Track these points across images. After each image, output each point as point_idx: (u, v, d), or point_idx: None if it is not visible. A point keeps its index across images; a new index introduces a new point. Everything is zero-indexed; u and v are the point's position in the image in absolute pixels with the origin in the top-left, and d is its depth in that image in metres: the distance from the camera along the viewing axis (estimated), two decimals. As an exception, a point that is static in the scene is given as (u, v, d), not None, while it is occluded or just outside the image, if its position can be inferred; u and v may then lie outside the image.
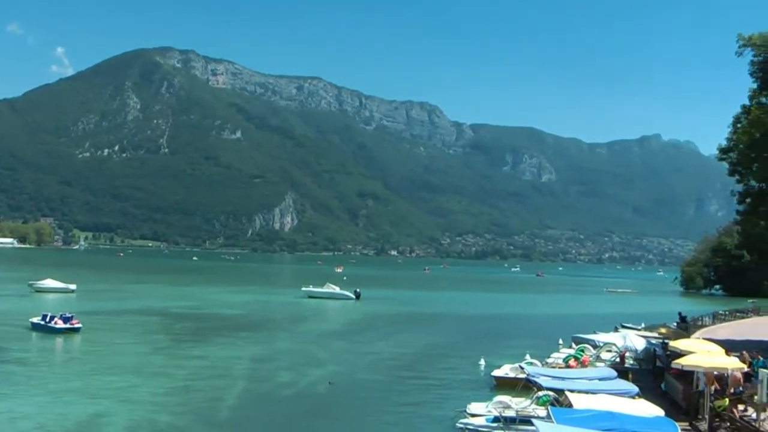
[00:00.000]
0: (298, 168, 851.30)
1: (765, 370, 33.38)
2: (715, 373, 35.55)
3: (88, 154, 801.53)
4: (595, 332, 71.72)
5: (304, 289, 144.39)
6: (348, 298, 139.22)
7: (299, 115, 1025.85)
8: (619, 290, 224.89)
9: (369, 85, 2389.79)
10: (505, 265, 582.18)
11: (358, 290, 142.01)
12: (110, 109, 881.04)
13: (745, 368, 35.68)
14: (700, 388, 35.93)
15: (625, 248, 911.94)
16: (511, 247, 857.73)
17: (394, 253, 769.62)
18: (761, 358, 39.15)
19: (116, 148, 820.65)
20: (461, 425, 36.68)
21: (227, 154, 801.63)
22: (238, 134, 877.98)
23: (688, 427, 34.74)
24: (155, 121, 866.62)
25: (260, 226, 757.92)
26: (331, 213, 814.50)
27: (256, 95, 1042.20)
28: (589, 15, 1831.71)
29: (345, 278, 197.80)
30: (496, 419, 36.12)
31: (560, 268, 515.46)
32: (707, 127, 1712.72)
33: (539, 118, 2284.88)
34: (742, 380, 36.41)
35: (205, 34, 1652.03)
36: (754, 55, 54.55)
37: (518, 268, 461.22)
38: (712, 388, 35.47)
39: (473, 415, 38.23)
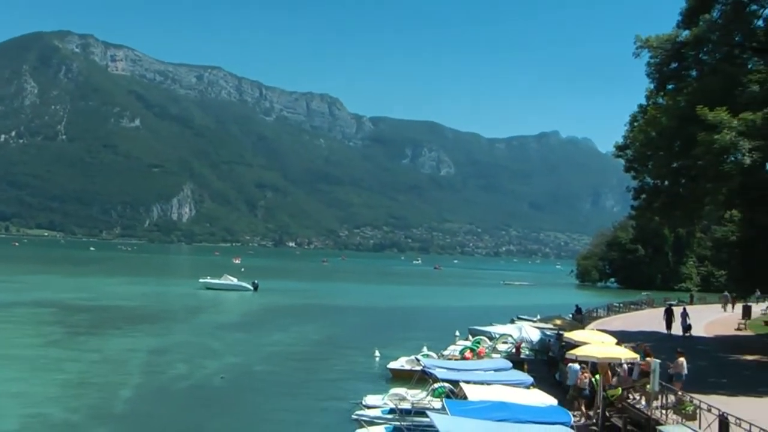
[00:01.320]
0: (197, 158, 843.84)
1: (657, 360, 34.30)
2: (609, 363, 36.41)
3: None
4: (491, 324, 72.53)
5: (201, 280, 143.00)
6: (246, 289, 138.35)
7: (199, 104, 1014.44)
8: (516, 283, 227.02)
9: (269, 76, 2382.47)
10: (402, 258, 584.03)
11: (256, 282, 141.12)
12: (6, 93, 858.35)
13: (638, 359, 36.48)
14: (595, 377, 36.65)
15: (522, 242, 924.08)
16: (410, 240, 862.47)
17: (292, 244, 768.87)
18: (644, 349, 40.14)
19: (13, 133, 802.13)
20: (357, 417, 36.82)
21: (126, 143, 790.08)
22: (137, 122, 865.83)
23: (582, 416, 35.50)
24: (53, 107, 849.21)
25: (158, 217, 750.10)
26: (230, 204, 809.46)
27: (155, 83, 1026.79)
28: (490, 9, 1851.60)
29: (243, 269, 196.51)
30: (391, 411, 36.35)
31: (455, 261, 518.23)
32: (605, 126, 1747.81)
33: (439, 112, 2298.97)
34: (634, 370, 37.38)
35: (105, 19, 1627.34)
36: (651, 57, 55.75)
37: (420, 261, 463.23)
38: (614, 378, 36.31)
39: (369, 407, 38.39)
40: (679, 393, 33.00)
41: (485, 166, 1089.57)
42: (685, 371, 36.81)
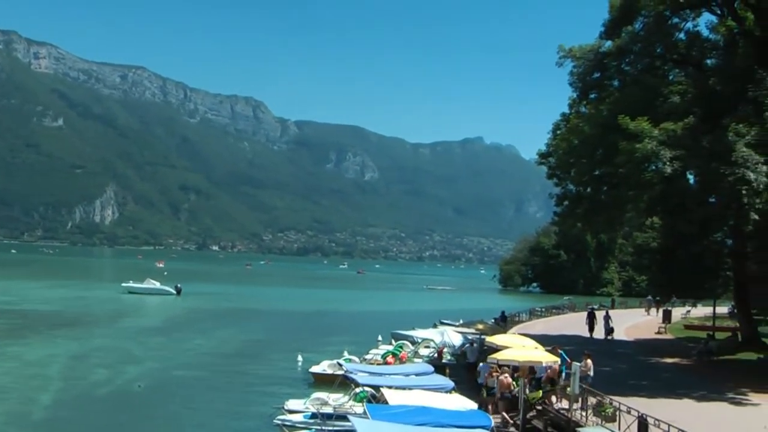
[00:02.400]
0: (120, 159, 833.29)
1: (577, 363, 34.96)
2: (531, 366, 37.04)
3: None
4: (413, 328, 73.02)
5: (124, 284, 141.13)
6: (169, 293, 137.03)
7: (123, 104, 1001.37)
8: (439, 287, 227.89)
9: (194, 78, 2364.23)
10: (326, 262, 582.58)
11: (179, 285, 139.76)
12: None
13: (558, 361, 37.14)
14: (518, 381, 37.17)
15: (446, 247, 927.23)
16: (333, 244, 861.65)
17: (215, 248, 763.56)
18: (561, 351, 40.80)
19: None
20: (279, 422, 36.87)
21: (48, 142, 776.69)
22: (60, 122, 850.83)
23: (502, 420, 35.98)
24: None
25: (80, 219, 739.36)
26: (153, 206, 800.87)
27: (79, 82, 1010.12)
28: (413, 17, 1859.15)
29: (166, 273, 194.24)
30: (313, 415, 36.43)
31: (377, 266, 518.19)
32: (528, 133, 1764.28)
33: (364, 116, 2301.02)
34: (557, 371, 38.01)
35: (28, 15, 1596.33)
36: (574, 66, 56.61)
37: (346, 265, 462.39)
38: (529, 380, 36.89)
39: (291, 412, 38.40)
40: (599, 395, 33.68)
41: (409, 171, 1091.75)
42: (592, 373, 37.53)
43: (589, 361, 37.31)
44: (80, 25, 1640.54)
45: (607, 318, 73.40)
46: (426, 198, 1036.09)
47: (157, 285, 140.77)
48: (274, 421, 37.19)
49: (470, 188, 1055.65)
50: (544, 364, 36.72)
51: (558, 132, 63.58)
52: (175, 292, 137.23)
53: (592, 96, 57.87)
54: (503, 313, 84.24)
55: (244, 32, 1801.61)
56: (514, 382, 37.15)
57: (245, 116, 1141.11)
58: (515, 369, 37.32)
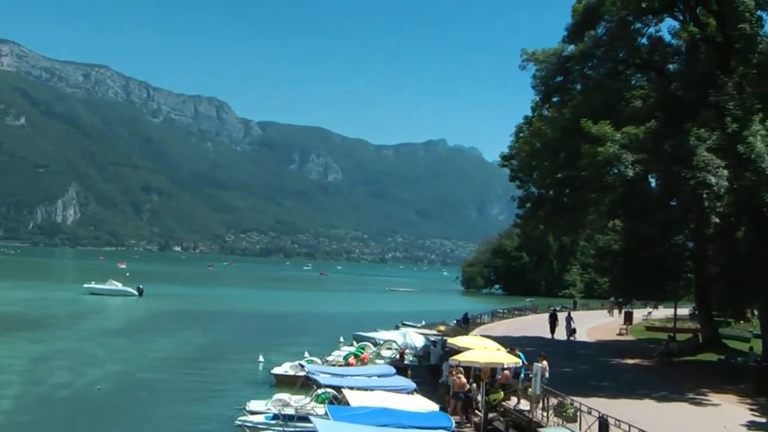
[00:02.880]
0: (83, 159, 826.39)
1: (539, 364, 35.22)
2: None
3: None
4: (376, 330, 73.15)
5: (86, 285, 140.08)
6: (131, 294, 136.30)
7: (86, 103, 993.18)
8: (402, 289, 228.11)
9: (157, 77, 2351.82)
10: (288, 263, 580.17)
11: (141, 287, 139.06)
12: None
13: (519, 363, 37.34)
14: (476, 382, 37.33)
15: (409, 248, 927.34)
16: (296, 246, 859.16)
17: (178, 249, 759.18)
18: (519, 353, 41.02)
19: None
20: (240, 423, 36.97)
21: (11, 141, 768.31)
22: (23, 120, 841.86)
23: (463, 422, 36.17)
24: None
25: (42, 219, 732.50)
26: (115, 207, 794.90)
27: (42, 80, 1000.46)
28: (380, 20, 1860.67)
29: (128, 274, 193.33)
30: (275, 417, 36.52)
31: (339, 267, 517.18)
32: (491, 135, 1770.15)
33: (327, 118, 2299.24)
34: (510, 375, 38.24)
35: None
36: (537, 70, 56.84)
37: (310, 267, 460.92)
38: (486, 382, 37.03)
39: (252, 413, 38.45)
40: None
41: (372, 172, 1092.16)
42: (548, 374, 37.79)
43: (545, 362, 37.55)
44: (43, 22, 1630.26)
45: (569, 319, 73.98)
46: (389, 200, 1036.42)
47: (119, 286, 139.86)
48: (236, 422, 37.31)
49: (433, 190, 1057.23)
50: (505, 366, 36.87)
51: (521, 135, 64.02)
52: (137, 293, 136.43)
53: (555, 99, 58.19)
54: (465, 314, 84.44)
55: (207, 32, 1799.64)
56: (470, 384, 37.38)
57: (208, 117, 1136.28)
58: (477, 370, 37.46)
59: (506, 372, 37.90)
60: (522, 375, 38.02)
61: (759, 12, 50.40)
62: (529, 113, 64.57)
